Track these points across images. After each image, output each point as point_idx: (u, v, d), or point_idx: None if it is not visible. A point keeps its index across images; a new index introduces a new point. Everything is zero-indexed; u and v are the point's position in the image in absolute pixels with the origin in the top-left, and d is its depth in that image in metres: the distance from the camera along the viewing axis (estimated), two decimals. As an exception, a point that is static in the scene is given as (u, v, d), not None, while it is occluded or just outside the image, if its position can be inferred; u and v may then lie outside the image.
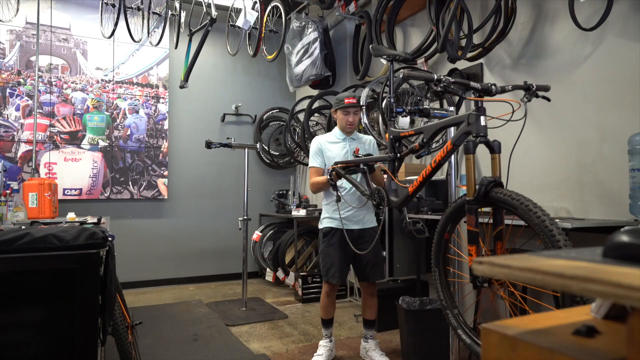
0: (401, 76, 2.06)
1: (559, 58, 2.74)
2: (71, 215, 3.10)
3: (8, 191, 3.01)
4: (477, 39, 3.16)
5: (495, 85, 1.80)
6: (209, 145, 4.20)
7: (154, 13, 4.42)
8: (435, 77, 1.82)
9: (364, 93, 3.65)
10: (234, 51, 4.89)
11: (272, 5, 4.61)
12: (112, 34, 4.29)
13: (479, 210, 1.76)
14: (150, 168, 5.25)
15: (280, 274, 4.99)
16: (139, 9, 4.37)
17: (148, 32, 4.45)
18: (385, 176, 2.39)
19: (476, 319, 2.55)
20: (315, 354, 2.95)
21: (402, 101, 3.56)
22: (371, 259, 2.84)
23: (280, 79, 5.76)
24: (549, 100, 1.94)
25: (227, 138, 4.34)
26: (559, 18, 2.74)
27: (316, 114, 4.80)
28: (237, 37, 4.88)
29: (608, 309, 0.66)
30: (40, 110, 4.79)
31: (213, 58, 5.64)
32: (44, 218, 3.15)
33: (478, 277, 1.68)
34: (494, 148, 1.74)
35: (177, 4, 4.48)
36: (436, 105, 3.50)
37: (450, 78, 1.83)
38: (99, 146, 5.04)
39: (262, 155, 5.73)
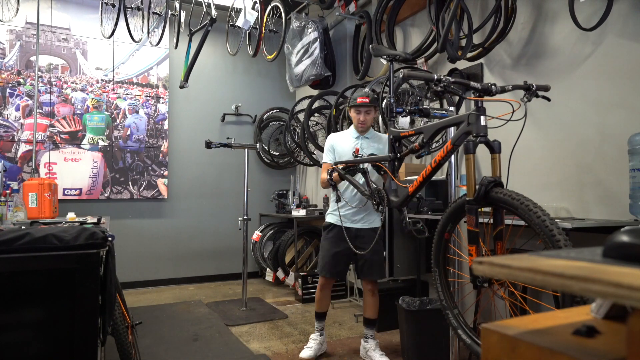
0: (401, 76, 2.06)
1: (559, 58, 2.74)
2: (71, 215, 3.10)
3: (8, 191, 3.01)
4: (477, 39, 3.16)
5: (495, 85, 1.80)
6: (209, 145, 4.20)
7: (154, 13, 4.42)
8: (435, 77, 1.82)
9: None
10: (234, 51, 4.89)
11: (272, 5, 4.61)
12: (112, 34, 4.29)
13: (479, 210, 1.76)
14: (150, 168, 5.25)
15: (280, 274, 4.99)
16: (139, 9, 4.37)
17: (148, 32, 4.45)
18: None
19: (476, 319, 2.55)
20: (305, 346, 2.97)
21: (402, 101, 3.56)
22: (369, 257, 2.86)
23: (280, 79, 5.76)
24: (549, 100, 1.94)
25: (227, 138, 4.34)
26: (559, 18, 2.74)
27: (316, 114, 4.80)
28: (237, 37, 4.88)
29: (608, 309, 0.66)
30: (40, 110, 4.79)
31: (213, 58, 5.64)
32: (44, 218, 3.15)
33: (478, 277, 1.68)
34: (494, 148, 1.74)
35: (177, 4, 4.47)
36: (436, 105, 3.50)
37: (450, 78, 1.83)
38: (99, 146, 5.04)
39: (262, 155, 5.73)
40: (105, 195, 5.02)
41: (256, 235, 5.38)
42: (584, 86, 2.58)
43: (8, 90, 4.67)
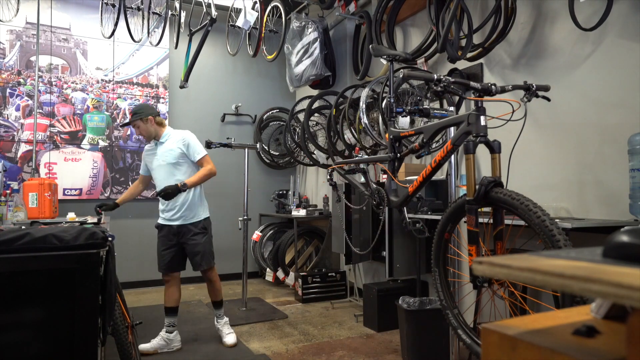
0: (401, 76, 2.06)
1: (559, 58, 2.74)
2: (71, 215, 3.10)
3: (8, 191, 3.01)
4: (477, 39, 3.16)
5: (495, 85, 1.80)
6: (209, 145, 4.20)
7: (154, 13, 4.42)
8: (435, 77, 1.82)
9: (364, 93, 3.65)
10: (234, 51, 4.89)
11: (272, 5, 4.61)
12: (112, 34, 4.29)
13: (479, 210, 1.76)
14: (150, 168, 5.25)
15: (280, 274, 4.99)
16: (139, 9, 4.37)
17: (148, 32, 4.45)
18: (385, 176, 2.40)
19: (476, 319, 2.55)
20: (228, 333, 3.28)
21: (402, 101, 3.56)
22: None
23: (280, 79, 5.76)
24: (549, 100, 1.94)
25: (227, 138, 4.34)
26: (559, 18, 2.73)
27: (316, 114, 4.80)
28: (237, 37, 4.88)
29: (608, 309, 0.66)
30: (40, 110, 4.79)
31: (213, 58, 5.64)
32: (44, 218, 3.15)
33: (478, 277, 1.68)
34: (494, 148, 1.74)
35: (177, 4, 4.48)
36: (436, 105, 3.50)
37: (450, 78, 1.83)
38: (99, 146, 5.04)
39: (262, 155, 5.73)
40: (106, 195, 5.02)
41: (256, 235, 5.38)
42: (584, 86, 2.58)
43: (8, 90, 4.67)
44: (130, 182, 5.15)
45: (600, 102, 2.50)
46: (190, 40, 4.64)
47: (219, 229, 5.55)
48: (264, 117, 5.84)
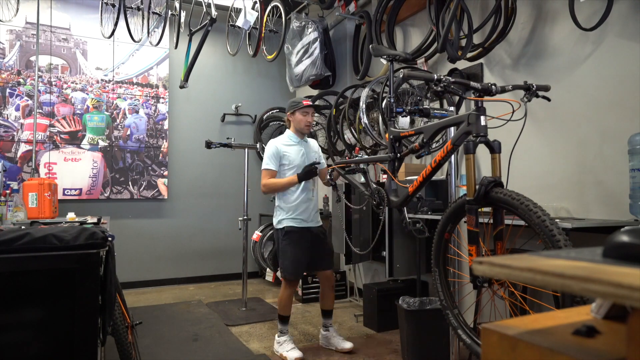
0: (401, 76, 2.06)
1: (559, 58, 2.74)
2: (71, 215, 3.10)
3: (8, 191, 3.01)
4: (477, 39, 3.16)
5: (495, 85, 1.80)
6: (209, 145, 4.21)
7: (154, 13, 4.42)
8: (435, 77, 1.82)
9: (364, 93, 3.65)
10: (234, 51, 4.89)
11: (272, 5, 4.61)
12: (112, 34, 4.29)
13: (479, 210, 1.76)
14: (150, 168, 5.26)
15: (280, 274, 4.98)
16: (138, 8, 4.37)
17: (148, 32, 4.45)
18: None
19: (476, 319, 2.55)
20: (289, 349, 3.01)
21: (402, 101, 3.56)
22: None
23: (280, 79, 5.76)
24: (549, 100, 1.94)
25: (227, 138, 4.35)
26: (559, 18, 2.73)
27: (316, 114, 4.79)
28: (237, 37, 4.88)
29: (608, 309, 0.66)
30: (40, 110, 4.79)
31: (213, 58, 5.64)
32: (43, 218, 3.15)
33: (478, 277, 1.68)
34: (494, 148, 1.74)
35: (177, 4, 4.47)
36: (436, 105, 3.50)
37: (450, 78, 1.83)
38: (99, 146, 5.04)
39: (262, 155, 5.72)
40: (105, 195, 5.02)
41: (256, 235, 5.38)
42: (584, 86, 2.58)
43: (8, 90, 4.67)
44: (130, 182, 5.15)
45: (600, 102, 2.50)
46: (190, 40, 4.64)
47: (219, 229, 5.57)
48: (264, 117, 5.84)
